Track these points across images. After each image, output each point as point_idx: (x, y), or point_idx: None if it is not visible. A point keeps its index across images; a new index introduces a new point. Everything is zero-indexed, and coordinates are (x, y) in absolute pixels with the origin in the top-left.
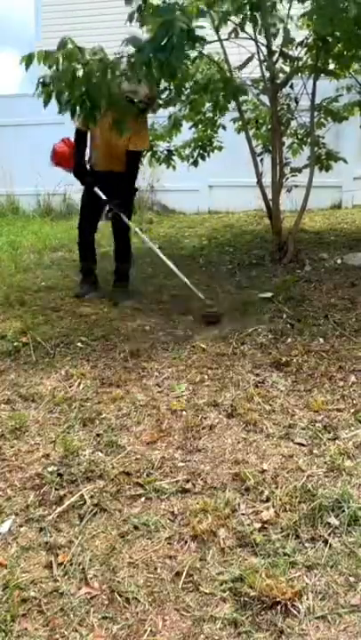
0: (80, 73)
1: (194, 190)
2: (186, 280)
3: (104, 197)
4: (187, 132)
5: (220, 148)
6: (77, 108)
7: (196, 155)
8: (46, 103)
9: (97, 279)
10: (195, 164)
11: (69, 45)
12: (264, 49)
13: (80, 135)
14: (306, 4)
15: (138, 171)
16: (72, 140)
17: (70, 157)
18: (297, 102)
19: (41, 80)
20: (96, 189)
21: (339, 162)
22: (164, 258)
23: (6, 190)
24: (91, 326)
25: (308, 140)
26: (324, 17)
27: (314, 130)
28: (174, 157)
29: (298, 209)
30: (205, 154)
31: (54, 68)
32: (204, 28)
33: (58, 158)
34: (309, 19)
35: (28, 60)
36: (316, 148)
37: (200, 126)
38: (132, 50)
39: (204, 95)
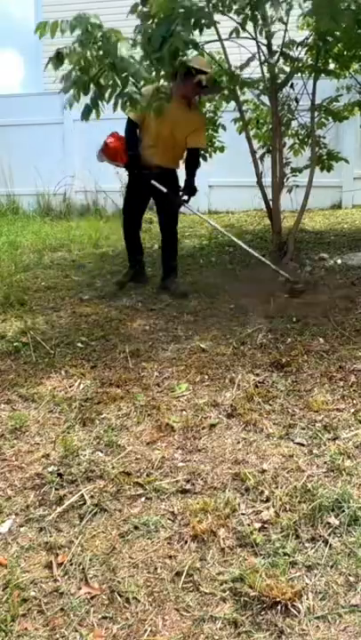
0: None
1: None
2: (265, 260)
3: (165, 190)
4: None
5: (221, 149)
6: (98, 83)
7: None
8: (58, 71)
9: (143, 269)
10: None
11: (92, 19)
12: (265, 49)
13: (133, 125)
14: (307, 4)
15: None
16: (120, 134)
17: (124, 152)
18: (297, 102)
19: (55, 53)
20: (154, 182)
21: (339, 162)
22: (236, 239)
23: (6, 190)
24: (91, 326)
25: (309, 141)
26: (324, 13)
27: (314, 130)
28: None
29: (298, 209)
30: (207, 154)
31: (76, 34)
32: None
33: (111, 153)
34: (310, 16)
35: (43, 28)
36: (316, 149)
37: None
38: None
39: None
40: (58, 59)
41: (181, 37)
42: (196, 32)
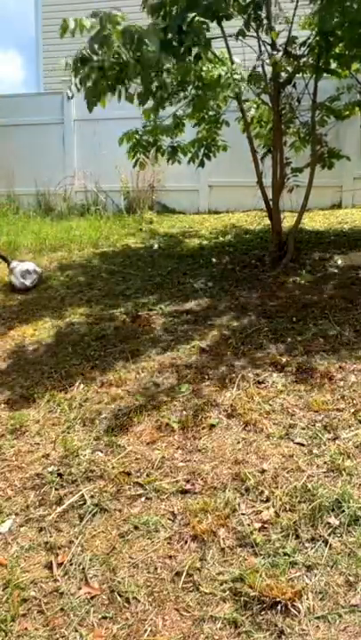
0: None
1: (194, 190)
2: None
3: None
4: (189, 133)
5: (225, 148)
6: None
7: (201, 155)
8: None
9: None
10: (201, 164)
11: (114, 13)
12: (268, 47)
13: None
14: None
15: None
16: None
17: None
18: (299, 101)
19: (76, 56)
20: None
21: (339, 162)
22: None
23: (7, 190)
24: (91, 326)
25: (311, 139)
26: (331, 12)
27: (315, 130)
28: (179, 154)
29: (298, 209)
30: (211, 154)
31: (95, 34)
32: None
33: None
34: (313, 17)
35: (63, 30)
36: (318, 147)
37: (203, 125)
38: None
39: (210, 92)
40: (82, 63)
41: (196, 30)
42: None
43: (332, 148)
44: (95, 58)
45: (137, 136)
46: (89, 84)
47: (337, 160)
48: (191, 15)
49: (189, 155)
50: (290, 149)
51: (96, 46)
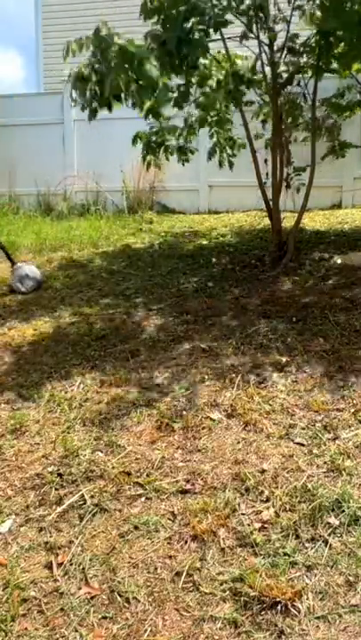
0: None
1: (194, 190)
2: None
3: None
4: (202, 136)
5: (243, 146)
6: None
7: (226, 157)
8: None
9: None
10: (230, 165)
11: (105, 31)
12: (267, 48)
13: None
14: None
15: None
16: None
17: None
18: (306, 98)
19: (75, 71)
20: None
21: (339, 162)
22: None
23: (7, 190)
24: (91, 326)
25: (323, 132)
26: (331, 15)
27: (315, 130)
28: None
29: (298, 209)
30: (233, 154)
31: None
32: None
33: None
34: (313, 16)
35: (67, 53)
36: (330, 140)
37: (214, 128)
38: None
39: (217, 92)
40: (80, 80)
41: (197, 44)
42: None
43: (343, 140)
44: (94, 78)
45: (146, 137)
46: (88, 96)
47: (348, 150)
48: (189, 24)
49: (218, 159)
50: (304, 143)
51: (96, 66)
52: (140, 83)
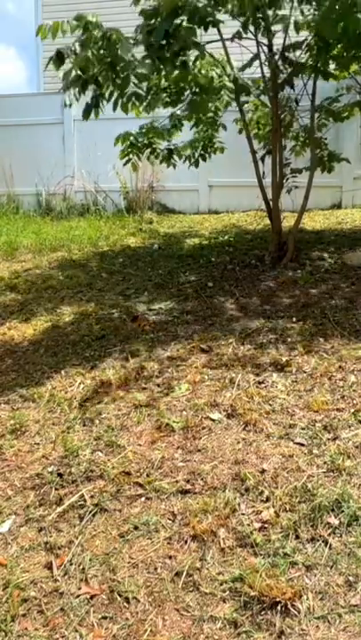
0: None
1: (194, 190)
2: None
3: None
4: (187, 133)
5: (221, 150)
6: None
7: (197, 155)
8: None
9: None
10: (195, 164)
11: (90, 18)
12: (265, 49)
13: None
14: (309, 9)
15: None
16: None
17: None
18: (297, 103)
19: (55, 53)
20: None
21: (340, 163)
22: None
23: (7, 190)
24: (91, 326)
25: (310, 142)
26: (330, 22)
27: (314, 130)
28: (174, 157)
29: (298, 209)
30: (206, 155)
31: (77, 34)
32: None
33: None
34: (314, 24)
35: (45, 31)
36: (317, 150)
37: (201, 126)
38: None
39: (206, 96)
40: (58, 58)
41: (183, 36)
42: (198, 32)
43: (331, 150)
44: (84, 75)
45: (132, 138)
46: (76, 91)
47: (337, 162)
48: (178, 21)
49: (185, 155)
50: (290, 152)
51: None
52: (116, 67)
